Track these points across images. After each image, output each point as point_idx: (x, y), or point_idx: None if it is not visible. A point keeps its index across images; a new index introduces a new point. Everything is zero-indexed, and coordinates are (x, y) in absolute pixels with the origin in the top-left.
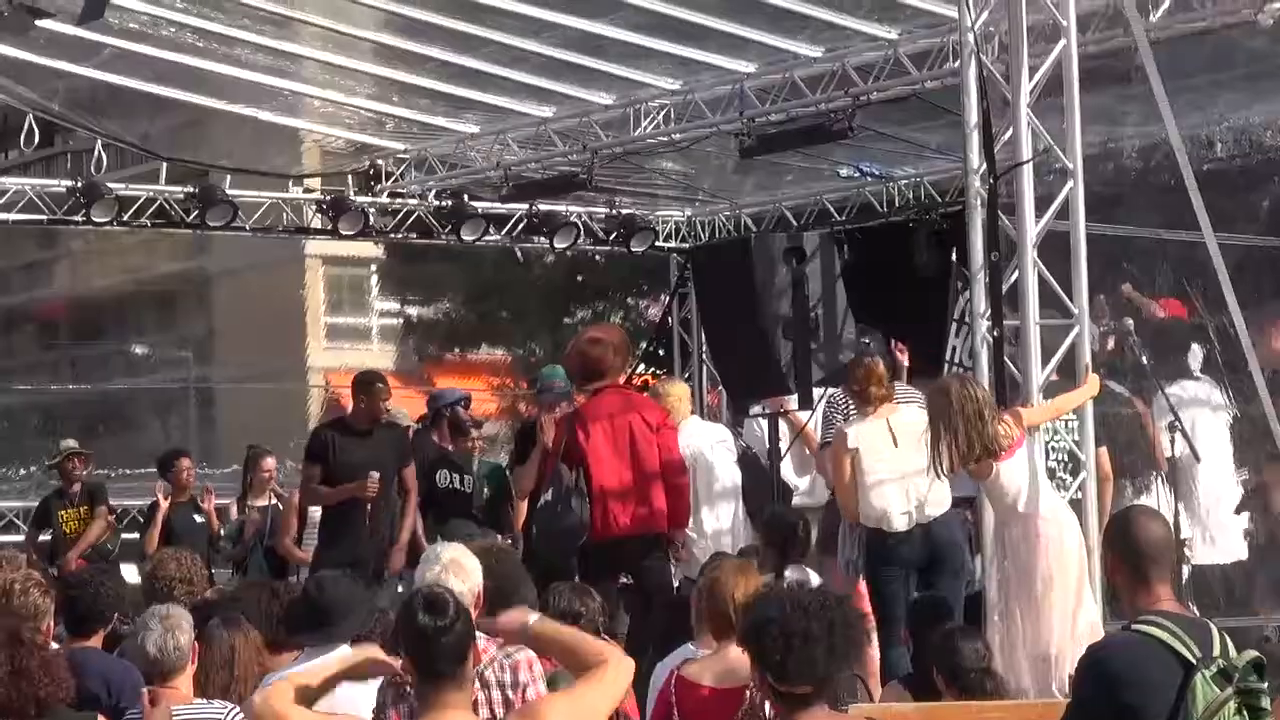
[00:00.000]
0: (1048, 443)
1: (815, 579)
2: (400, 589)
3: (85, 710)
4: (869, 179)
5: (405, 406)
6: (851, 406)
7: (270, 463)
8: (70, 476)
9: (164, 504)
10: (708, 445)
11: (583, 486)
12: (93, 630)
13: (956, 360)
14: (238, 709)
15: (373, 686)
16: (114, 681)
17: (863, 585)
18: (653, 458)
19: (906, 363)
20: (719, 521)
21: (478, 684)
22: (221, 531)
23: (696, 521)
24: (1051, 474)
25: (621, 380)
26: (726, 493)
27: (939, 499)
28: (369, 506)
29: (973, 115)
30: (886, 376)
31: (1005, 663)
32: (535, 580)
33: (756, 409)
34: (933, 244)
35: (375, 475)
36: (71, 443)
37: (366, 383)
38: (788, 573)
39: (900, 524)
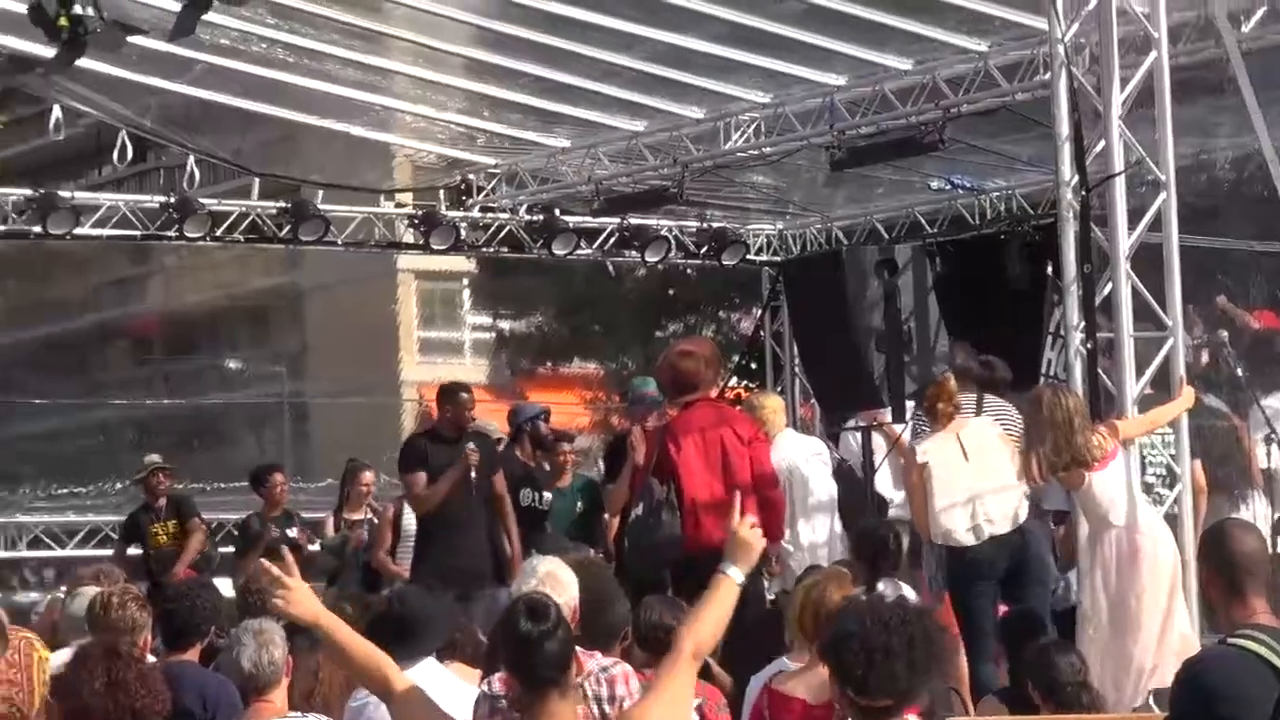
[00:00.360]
0: (1143, 457)
1: (909, 592)
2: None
3: None
4: (960, 191)
5: (498, 420)
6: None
7: (369, 476)
8: (155, 491)
9: (267, 537)
10: (803, 458)
11: (674, 500)
12: (189, 643)
13: (1052, 373)
14: None
15: (469, 699)
16: (210, 695)
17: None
18: (745, 470)
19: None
20: (815, 534)
21: None
22: (315, 545)
23: (792, 534)
24: (1149, 488)
25: (713, 393)
26: (822, 505)
27: (1014, 511)
28: (462, 520)
29: (1064, 127)
30: (956, 392)
31: (1100, 676)
32: (627, 594)
33: (851, 422)
34: (1025, 256)
35: (471, 445)
36: (155, 457)
37: (451, 391)
38: (879, 586)
39: (967, 539)
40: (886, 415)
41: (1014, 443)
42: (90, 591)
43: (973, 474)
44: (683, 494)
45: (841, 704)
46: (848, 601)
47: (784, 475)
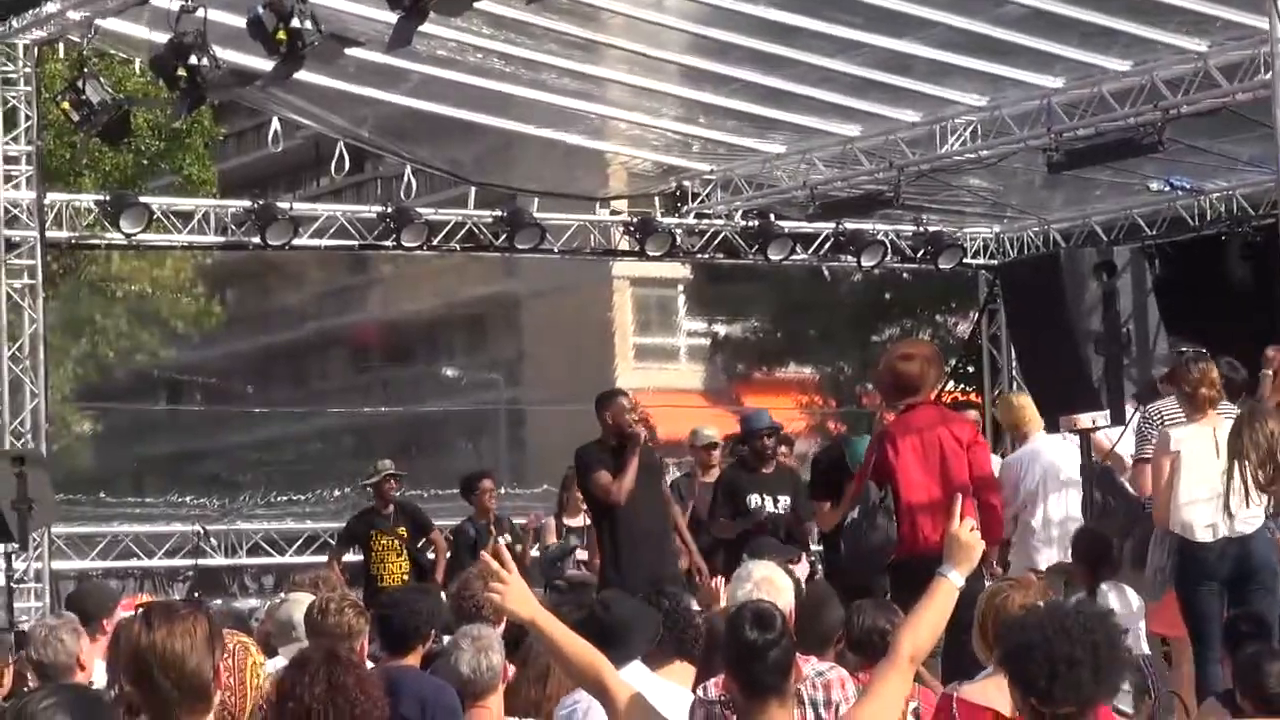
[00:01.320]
0: None
1: (1132, 596)
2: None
3: None
4: (1180, 193)
5: (715, 425)
6: (1167, 417)
7: None
8: (386, 497)
9: (481, 542)
10: (1052, 446)
11: (890, 504)
12: (409, 648)
13: None
14: None
15: (678, 702)
16: (429, 701)
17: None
18: (963, 472)
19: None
20: (1067, 509)
21: None
22: (534, 551)
23: (1043, 512)
24: None
25: (933, 395)
26: (1071, 482)
27: (1250, 515)
28: (649, 522)
29: None
30: (1219, 381)
31: None
32: (842, 598)
33: (1059, 430)
34: (1246, 257)
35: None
36: (388, 463)
37: (610, 397)
38: (1102, 588)
39: (1204, 536)
40: (1083, 420)
41: None
42: (301, 598)
43: (1217, 471)
44: (900, 497)
45: (1024, 711)
46: (1027, 611)
47: (1028, 461)
